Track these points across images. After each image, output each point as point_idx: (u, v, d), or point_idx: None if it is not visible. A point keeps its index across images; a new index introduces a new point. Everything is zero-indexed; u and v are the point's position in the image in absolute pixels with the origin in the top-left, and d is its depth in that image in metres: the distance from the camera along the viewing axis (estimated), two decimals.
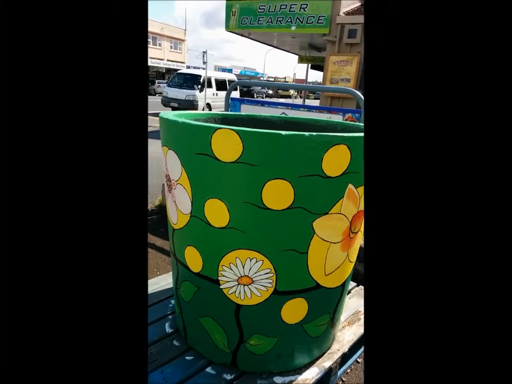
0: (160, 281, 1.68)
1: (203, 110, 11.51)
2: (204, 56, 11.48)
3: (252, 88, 29.20)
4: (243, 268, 1.01)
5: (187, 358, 1.20)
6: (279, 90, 36.24)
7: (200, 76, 12.18)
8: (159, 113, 1.14)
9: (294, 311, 1.08)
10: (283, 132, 0.86)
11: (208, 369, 1.15)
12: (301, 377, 1.15)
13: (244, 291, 1.04)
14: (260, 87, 31.99)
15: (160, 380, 1.09)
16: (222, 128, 0.89)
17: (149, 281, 1.69)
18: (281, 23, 7.39)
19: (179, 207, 1.09)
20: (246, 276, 1.02)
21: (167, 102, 12.20)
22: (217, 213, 0.98)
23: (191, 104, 11.67)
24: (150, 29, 29.66)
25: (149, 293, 1.56)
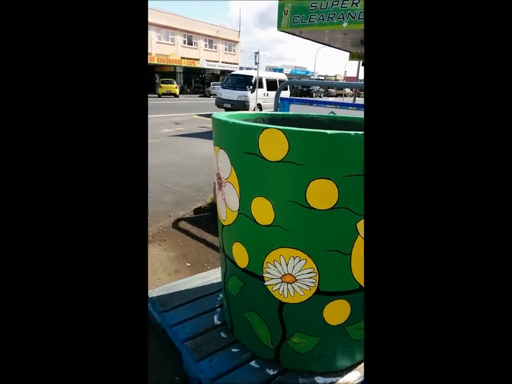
0: (209, 276, 1.76)
1: (254, 110, 11.64)
2: (255, 57, 11.62)
3: (311, 88, 29.05)
4: (287, 266, 1.03)
5: (233, 350, 1.25)
6: (330, 89, 35.33)
7: (252, 77, 12.29)
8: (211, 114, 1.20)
9: (336, 312, 1.08)
10: (328, 131, 0.86)
11: (252, 363, 1.19)
12: (342, 379, 1.14)
13: (287, 289, 1.05)
14: (318, 87, 31.67)
15: (207, 368, 1.15)
16: (268, 127, 0.91)
17: (199, 274, 1.78)
18: (332, 20, 7.20)
19: (228, 204, 1.13)
20: (289, 274, 1.03)
21: (220, 103, 12.44)
22: (263, 211, 1.01)
23: (242, 105, 11.79)
24: (206, 32, 30.57)
25: (199, 286, 1.65)
